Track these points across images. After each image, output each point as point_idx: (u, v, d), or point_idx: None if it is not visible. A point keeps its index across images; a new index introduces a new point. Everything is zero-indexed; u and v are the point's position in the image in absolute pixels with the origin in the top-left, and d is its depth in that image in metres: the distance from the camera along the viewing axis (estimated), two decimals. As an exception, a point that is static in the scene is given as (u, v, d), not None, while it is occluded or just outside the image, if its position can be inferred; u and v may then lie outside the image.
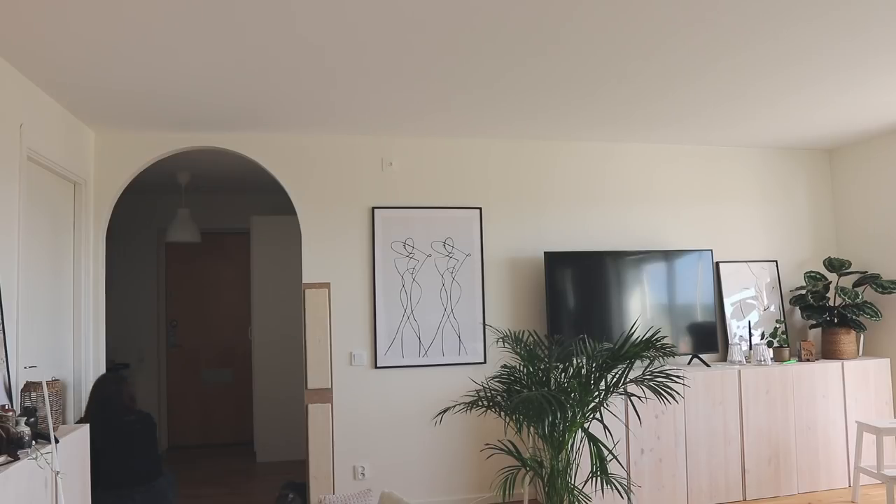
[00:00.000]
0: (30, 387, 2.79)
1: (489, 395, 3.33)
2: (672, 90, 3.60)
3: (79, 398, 3.82)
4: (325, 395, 4.27)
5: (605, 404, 3.28)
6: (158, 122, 3.94)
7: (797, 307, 5.01)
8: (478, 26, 2.68)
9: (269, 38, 2.74)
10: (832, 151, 5.25)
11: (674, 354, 3.37)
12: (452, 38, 2.80)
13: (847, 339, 4.70)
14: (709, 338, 4.62)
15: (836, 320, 4.76)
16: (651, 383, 3.18)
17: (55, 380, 2.90)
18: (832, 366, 4.58)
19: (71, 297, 3.83)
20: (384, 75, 3.25)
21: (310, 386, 4.25)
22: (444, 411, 3.80)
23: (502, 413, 3.37)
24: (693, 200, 4.95)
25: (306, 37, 2.74)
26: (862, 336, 4.84)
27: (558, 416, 3.16)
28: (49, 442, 2.63)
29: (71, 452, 2.90)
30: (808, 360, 4.64)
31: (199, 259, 6.64)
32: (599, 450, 3.20)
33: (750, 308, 4.89)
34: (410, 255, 4.44)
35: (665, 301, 4.59)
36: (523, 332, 3.89)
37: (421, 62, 3.08)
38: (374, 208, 4.42)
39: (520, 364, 3.40)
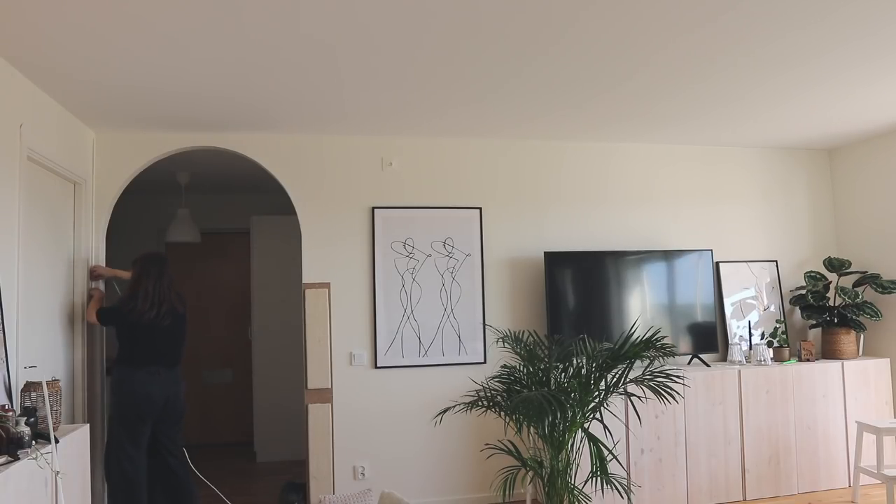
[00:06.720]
0: (30, 387, 2.79)
1: (489, 395, 3.33)
2: (672, 92, 3.60)
3: (78, 398, 3.82)
4: (325, 395, 4.27)
5: (605, 404, 3.28)
6: (158, 122, 3.94)
7: (797, 307, 5.01)
8: (482, 28, 2.68)
9: (272, 37, 2.74)
10: (832, 151, 5.25)
11: (674, 354, 3.37)
12: (457, 40, 2.80)
13: (847, 339, 4.70)
14: (709, 338, 4.62)
15: (836, 320, 4.76)
16: (651, 383, 3.18)
17: (55, 380, 2.89)
18: (832, 366, 4.58)
19: (71, 297, 3.83)
20: (389, 76, 3.25)
21: (310, 386, 4.25)
22: (444, 411, 3.80)
23: (502, 413, 3.37)
24: (693, 200, 4.95)
25: (311, 36, 2.73)
26: (862, 336, 4.84)
27: (558, 416, 3.16)
28: (49, 442, 2.63)
29: (71, 452, 2.90)
30: (808, 360, 4.64)
31: (199, 259, 6.64)
32: (599, 450, 3.20)
33: (750, 308, 4.89)
34: (410, 255, 4.44)
35: (665, 301, 4.59)
36: (523, 332, 3.89)
37: (424, 64, 3.08)
38: (374, 208, 4.41)
39: (520, 364, 3.40)
